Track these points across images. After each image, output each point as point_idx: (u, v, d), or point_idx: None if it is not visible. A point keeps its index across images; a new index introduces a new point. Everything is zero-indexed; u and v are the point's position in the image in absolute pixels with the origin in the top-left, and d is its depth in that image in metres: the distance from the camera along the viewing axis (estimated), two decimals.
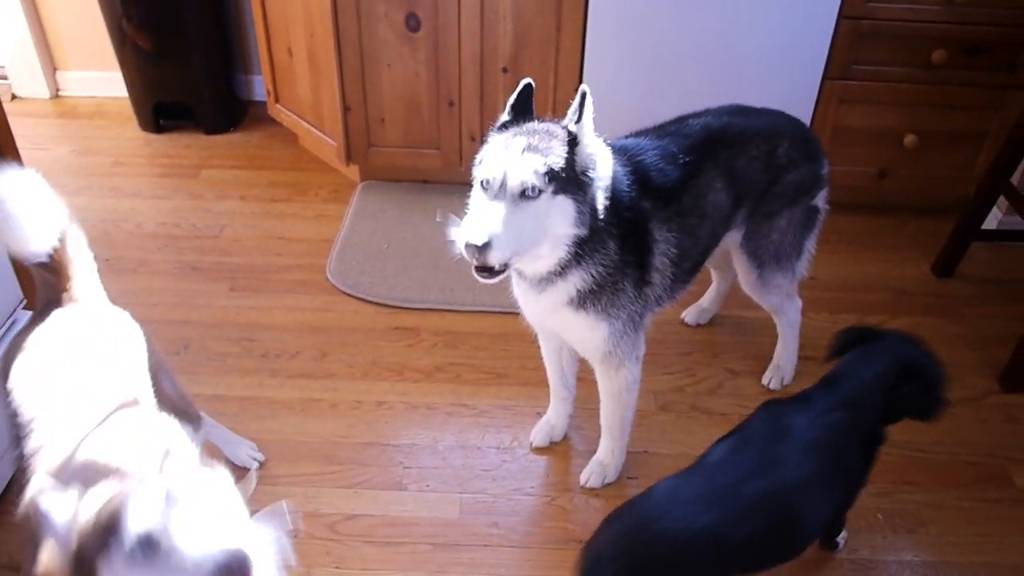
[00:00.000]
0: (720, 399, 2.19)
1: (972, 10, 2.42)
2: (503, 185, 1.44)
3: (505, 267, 1.48)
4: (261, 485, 1.93)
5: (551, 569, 1.78)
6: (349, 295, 2.46)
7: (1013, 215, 2.64)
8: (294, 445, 2.03)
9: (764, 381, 2.22)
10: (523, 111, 1.56)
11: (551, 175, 1.44)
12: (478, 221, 1.44)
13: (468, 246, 1.43)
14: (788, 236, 1.94)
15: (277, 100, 3.02)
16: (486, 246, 1.42)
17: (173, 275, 2.55)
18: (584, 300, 1.62)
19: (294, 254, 2.63)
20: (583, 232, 1.52)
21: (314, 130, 2.90)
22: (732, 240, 1.95)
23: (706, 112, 1.86)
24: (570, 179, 1.47)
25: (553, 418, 2.05)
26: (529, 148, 1.46)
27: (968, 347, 2.37)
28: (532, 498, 1.93)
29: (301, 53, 2.75)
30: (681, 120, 1.84)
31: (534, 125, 1.52)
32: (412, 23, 2.51)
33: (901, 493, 1.96)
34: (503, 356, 2.28)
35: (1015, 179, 2.51)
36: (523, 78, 1.59)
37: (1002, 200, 2.57)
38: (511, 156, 1.45)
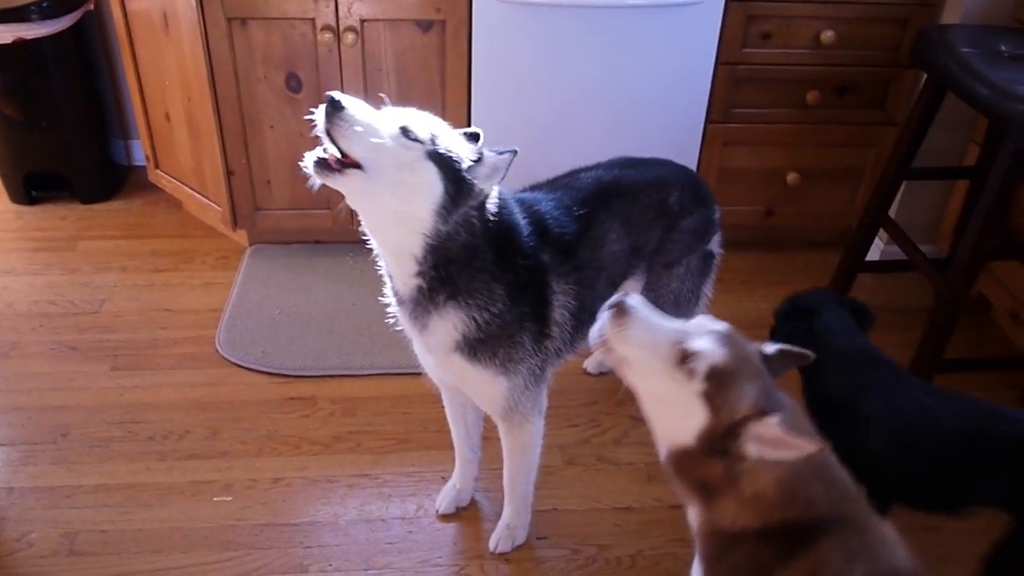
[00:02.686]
0: (626, 448, 2.17)
1: (839, 52, 2.52)
2: (400, 116, 1.41)
3: (346, 165, 1.35)
4: None
5: None
6: (240, 366, 2.36)
7: (892, 245, 2.73)
8: (185, 533, 1.91)
9: None
10: None
11: (433, 138, 1.40)
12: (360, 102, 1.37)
13: (329, 98, 1.32)
14: (686, 283, 1.95)
15: (157, 166, 2.91)
16: (337, 106, 1.31)
17: (49, 357, 2.39)
18: (475, 350, 1.57)
19: (181, 326, 2.51)
20: (439, 224, 1.42)
21: (197, 195, 2.79)
22: (631, 290, 1.95)
23: (596, 166, 1.86)
24: (450, 167, 1.41)
25: (459, 482, 1.99)
26: (441, 121, 1.46)
27: None
28: (441, 568, 1.86)
29: (179, 117, 2.66)
30: (572, 174, 1.84)
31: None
32: (293, 84, 2.46)
33: None
34: (404, 420, 2.22)
35: (892, 211, 2.61)
36: None
37: (883, 231, 2.66)
38: (413, 110, 1.45)
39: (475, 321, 1.54)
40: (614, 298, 1.25)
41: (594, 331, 1.27)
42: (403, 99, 2.47)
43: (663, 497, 2.04)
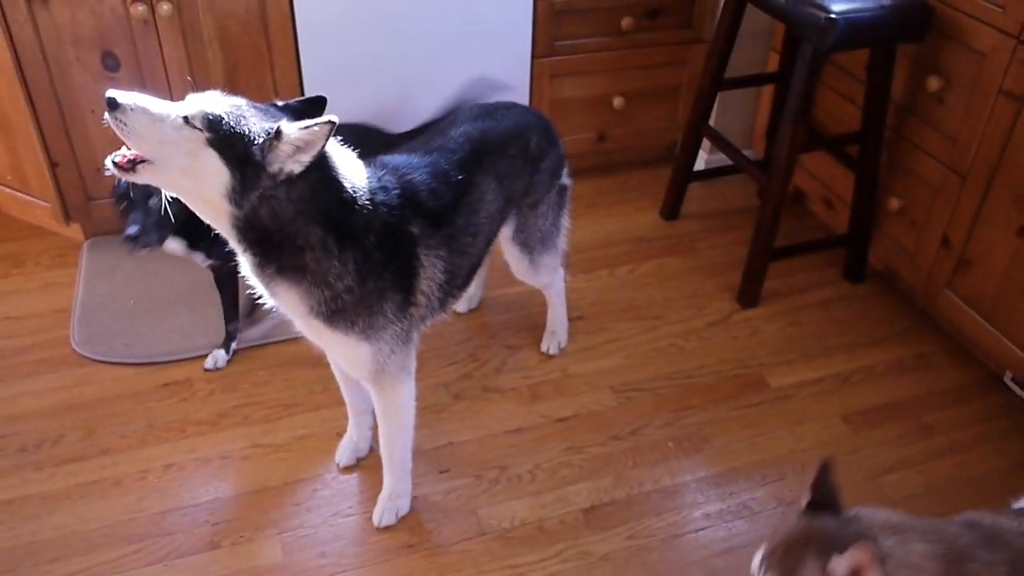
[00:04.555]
0: (507, 375, 2.28)
1: None
2: (189, 103, 1.41)
3: (132, 167, 1.38)
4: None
5: None
6: (104, 362, 2.27)
7: (716, 153, 2.96)
8: (82, 536, 1.86)
9: (543, 348, 2.34)
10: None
11: (213, 125, 1.37)
12: (142, 96, 1.38)
13: (106, 99, 1.35)
14: (549, 219, 2.04)
15: None
16: (114, 105, 1.34)
17: None
18: (331, 318, 1.57)
19: (27, 332, 2.37)
20: (232, 208, 1.42)
21: (19, 194, 2.62)
22: (501, 235, 2.01)
23: (455, 120, 1.88)
24: (237, 149, 1.38)
25: (355, 434, 2.03)
26: (232, 104, 1.42)
27: (706, 276, 2.64)
28: (353, 518, 1.91)
29: None
30: (441, 132, 1.84)
31: (267, 105, 1.48)
32: (110, 63, 2.35)
33: (683, 419, 2.16)
34: (287, 386, 2.22)
35: (711, 122, 2.81)
36: None
37: (705, 142, 2.86)
38: (210, 94, 1.43)
39: (315, 296, 1.54)
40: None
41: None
42: (230, 67, 2.45)
43: (548, 413, 2.17)
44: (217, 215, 1.45)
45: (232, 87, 2.46)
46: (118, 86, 2.40)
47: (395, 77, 2.60)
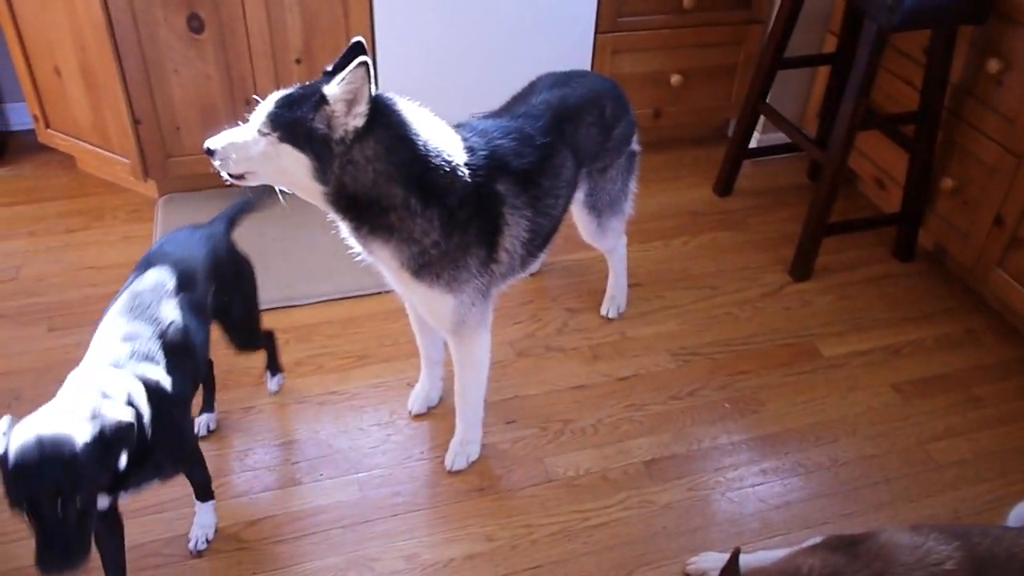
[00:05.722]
0: (568, 336, 2.37)
1: None
2: (258, 113, 1.54)
3: (243, 176, 1.56)
4: (147, 516, 1.87)
5: (463, 519, 1.89)
6: None
7: (769, 133, 3.02)
8: None
9: (603, 312, 2.42)
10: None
11: (276, 123, 1.50)
12: (226, 133, 1.55)
13: (205, 149, 1.56)
14: (618, 183, 2.12)
15: (48, 125, 2.81)
16: (211, 152, 1.55)
17: None
18: (419, 271, 1.67)
19: (110, 281, 2.49)
20: (321, 185, 1.54)
21: (99, 150, 2.73)
22: (574, 199, 2.07)
23: (533, 88, 1.95)
24: (301, 133, 1.49)
25: (427, 383, 2.12)
26: (284, 96, 1.52)
27: (759, 251, 2.71)
28: (426, 462, 2.01)
29: (72, 71, 2.58)
30: (522, 99, 1.91)
31: (318, 81, 1.55)
32: (195, 24, 2.45)
33: (738, 383, 2.24)
34: (359, 339, 2.32)
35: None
36: (318, 67, 1.63)
37: (759, 122, 2.93)
38: (270, 98, 1.55)
39: (404, 251, 1.64)
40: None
41: None
42: (308, 33, 2.55)
43: (609, 373, 2.26)
44: (315, 197, 1.58)
45: (308, 53, 2.57)
46: (202, 48, 2.52)
47: (464, 43, 2.68)
